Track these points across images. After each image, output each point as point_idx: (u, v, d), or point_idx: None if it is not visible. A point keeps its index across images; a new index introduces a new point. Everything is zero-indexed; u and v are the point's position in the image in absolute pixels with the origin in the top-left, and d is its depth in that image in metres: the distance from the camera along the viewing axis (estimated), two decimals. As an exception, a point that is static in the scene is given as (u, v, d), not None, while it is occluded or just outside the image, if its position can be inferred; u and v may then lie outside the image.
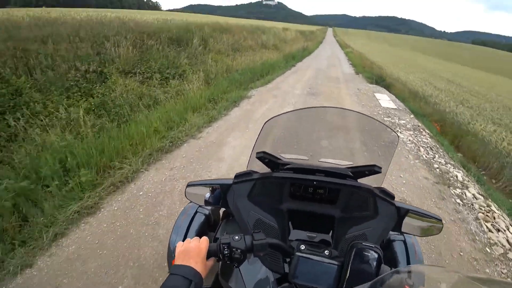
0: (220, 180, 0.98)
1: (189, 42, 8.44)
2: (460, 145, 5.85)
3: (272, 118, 1.02)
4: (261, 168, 1.02)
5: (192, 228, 1.19)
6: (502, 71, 41.32)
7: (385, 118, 5.91)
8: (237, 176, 0.95)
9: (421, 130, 5.51)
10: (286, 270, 0.75)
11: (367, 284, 0.55)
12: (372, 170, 0.97)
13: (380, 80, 10.09)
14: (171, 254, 1.15)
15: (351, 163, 1.06)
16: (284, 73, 9.84)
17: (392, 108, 6.87)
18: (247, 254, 0.66)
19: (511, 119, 7.76)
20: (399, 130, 5.26)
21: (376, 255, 0.66)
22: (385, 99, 7.63)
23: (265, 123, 1.02)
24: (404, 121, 5.91)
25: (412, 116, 6.46)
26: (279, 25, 26.92)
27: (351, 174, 0.97)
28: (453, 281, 0.52)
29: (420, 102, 8.37)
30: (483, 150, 5.23)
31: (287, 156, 1.08)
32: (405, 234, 1.10)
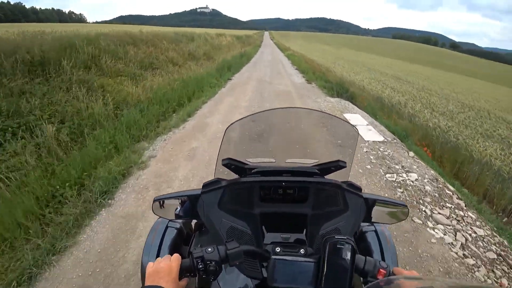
0: (188, 192, 0.95)
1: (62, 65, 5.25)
2: (462, 176, 4.21)
3: (233, 123, 1.03)
4: (228, 175, 1.03)
5: (165, 244, 1.13)
6: (422, 61, 45.27)
7: (387, 176, 3.53)
8: (205, 185, 0.93)
9: (447, 193, 3.28)
10: (265, 274, 0.72)
11: None
12: (337, 165, 1.01)
13: (342, 91, 8.24)
14: (144, 276, 0.88)
15: (317, 160, 1.08)
16: (216, 94, 7.30)
17: (380, 141, 4.75)
18: (222, 265, 0.65)
19: (501, 129, 6.33)
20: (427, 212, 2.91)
21: (349, 246, 0.64)
22: (361, 123, 5.60)
23: (226, 129, 1.03)
24: (416, 175, 3.59)
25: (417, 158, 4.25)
26: (213, 31, 24.22)
27: (317, 171, 1.01)
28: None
29: (392, 114, 6.59)
30: (499, 186, 3.63)
31: (253, 160, 1.09)
32: (375, 224, 1.14)
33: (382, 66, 22.79)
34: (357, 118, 5.90)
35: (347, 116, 5.96)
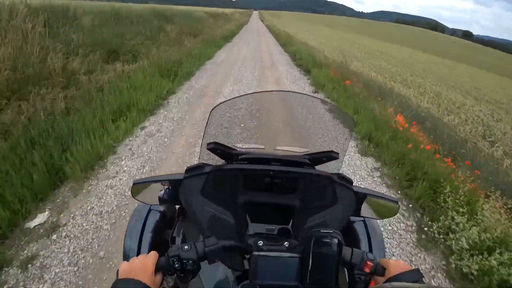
0: (170, 176, 0.94)
1: None
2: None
3: (219, 104, 1.00)
4: (214, 159, 1.03)
5: (147, 229, 1.12)
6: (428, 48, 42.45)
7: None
8: (188, 170, 0.91)
9: None
10: (246, 266, 0.73)
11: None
12: (329, 156, 0.99)
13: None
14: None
15: (308, 150, 1.09)
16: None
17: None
18: (200, 263, 0.66)
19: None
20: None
21: (336, 240, 0.64)
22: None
23: (211, 110, 0.99)
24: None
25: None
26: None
27: (308, 161, 0.99)
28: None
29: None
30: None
31: (241, 146, 1.09)
32: (365, 218, 1.14)
33: (403, 58, 19.72)
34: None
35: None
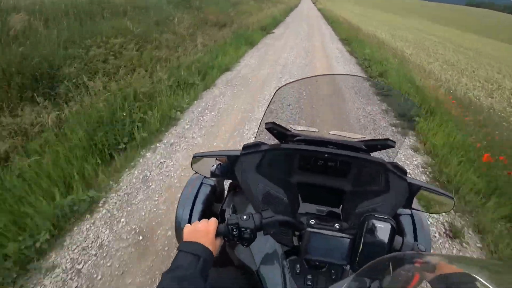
0: (228, 152, 0.99)
1: None
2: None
3: (283, 85, 1.06)
4: (270, 139, 1.08)
5: (199, 200, 1.19)
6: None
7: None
8: (245, 147, 0.96)
9: None
10: (295, 243, 0.78)
11: (380, 259, 0.56)
12: (385, 144, 1.00)
13: None
14: (179, 229, 1.14)
15: (364, 136, 1.09)
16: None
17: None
18: (256, 233, 0.69)
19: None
20: None
21: (389, 226, 0.66)
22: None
23: (276, 91, 1.05)
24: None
25: None
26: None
27: (364, 147, 1.00)
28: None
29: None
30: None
31: (297, 128, 1.11)
32: (412, 210, 1.10)
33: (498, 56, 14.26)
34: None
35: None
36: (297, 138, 1.01)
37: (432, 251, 0.99)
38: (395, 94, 1.28)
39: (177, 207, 1.17)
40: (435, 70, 7.51)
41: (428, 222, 1.14)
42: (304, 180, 1.02)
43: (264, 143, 0.97)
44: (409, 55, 9.14)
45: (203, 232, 0.67)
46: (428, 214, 1.03)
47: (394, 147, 0.99)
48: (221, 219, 1.07)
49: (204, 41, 7.23)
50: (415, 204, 0.94)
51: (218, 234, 0.68)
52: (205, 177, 1.24)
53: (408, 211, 1.11)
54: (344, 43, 10.16)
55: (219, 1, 13.83)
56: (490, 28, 48.78)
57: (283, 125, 1.05)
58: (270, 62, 6.82)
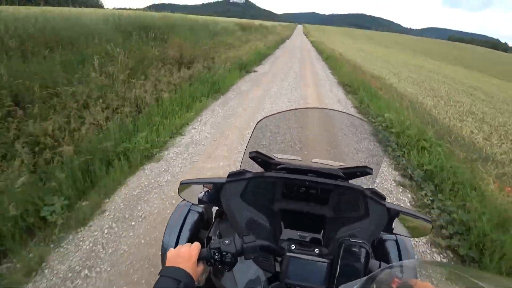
0: (214, 179, 1.02)
1: None
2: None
3: (264, 118, 1.10)
4: (254, 167, 1.10)
5: (186, 227, 1.21)
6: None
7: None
8: (230, 175, 0.99)
9: None
10: (277, 269, 0.79)
11: (360, 280, 0.59)
12: (363, 171, 1.04)
13: None
14: (164, 254, 1.16)
15: (343, 164, 1.14)
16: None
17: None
18: (237, 257, 0.71)
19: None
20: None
21: (364, 250, 0.69)
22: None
23: (257, 123, 1.10)
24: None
25: None
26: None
27: (342, 175, 1.04)
28: (445, 275, 0.58)
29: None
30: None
31: (280, 156, 1.15)
32: (396, 235, 1.12)
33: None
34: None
35: None
36: (280, 166, 1.04)
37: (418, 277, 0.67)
38: (370, 127, 1.34)
39: (164, 233, 1.20)
40: (479, 139, 5.19)
41: (413, 246, 1.13)
42: (287, 207, 1.04)
43: (248, 171, 0.99)
44: (430, 108, 6.89)
45: (186, 257, 0.68)
46: (411, 238, 1.03)
47: (371, 174, 1.04)
48: (207, 246, 0.89)
49: (142, 93, 4.76)
50: (399, 229, 0.95)
51: (200, 258, 0.70)
52: (192, 204, 1.27)
53: (392, 236, 1.13)
54: (347, 91, 7.63)
55: (198, 31, 11.75)
56: (489, 64, 48.71)
57: (266, 154, 1.09)
58: (235, 134, 4.22)
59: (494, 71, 37.82)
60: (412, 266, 0.63)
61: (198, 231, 1.24)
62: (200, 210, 1.29)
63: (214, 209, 1.26)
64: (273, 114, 1.09)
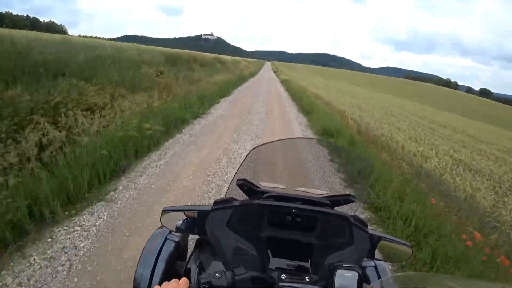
0: (198, 207, 1.00)
1: None
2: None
3: (257, 146, 1.15)
4: (239, 195, 1.10)
5: (161, 258, 1.14)
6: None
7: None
8: (216, 202, 0.97)
9: None
10: None
11: None
12: (347, 199, 1.07)
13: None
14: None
15: (327, 192, 1.18)
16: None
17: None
18: None
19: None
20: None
21: (356, 274, 0.69)
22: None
23: (250, 151, 1.14)
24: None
25: None
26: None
27: (328, 202, 1.06)
28: (432, 285, 0.59)
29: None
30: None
31: (265, 185, 1.16)
32: (376, 260, 1.16)
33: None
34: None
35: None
36: (266, 194, 1.04)
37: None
38: (355, 155, 1.38)
39: (138, 265, 1.11)
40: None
41: (390, 271, 1.14)
42: (273, 235, 1.02)
43: (234, 199, 0.98)
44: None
45: None
46: (390, 263, 1.05)
47: (355, 201, 1.06)
48: (187, 278, 0.87)
49: None
50: (378, 255, 0.98)
51: None
52: (169, 232, 1.22)
53: (372, 262, 1.15)
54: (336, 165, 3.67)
55: (121, 67, 7.62)
56: (451, 103, 53.17)
57: (253, 182, 1.08)
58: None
59: (445, 105, 41.47)
60: (391, 282, 0.69)
61: (175, 263, 1.18)
62: (177, 239, 1.22)
63: (190, 238, 1.27)
64: (266, 143, 1.16)
